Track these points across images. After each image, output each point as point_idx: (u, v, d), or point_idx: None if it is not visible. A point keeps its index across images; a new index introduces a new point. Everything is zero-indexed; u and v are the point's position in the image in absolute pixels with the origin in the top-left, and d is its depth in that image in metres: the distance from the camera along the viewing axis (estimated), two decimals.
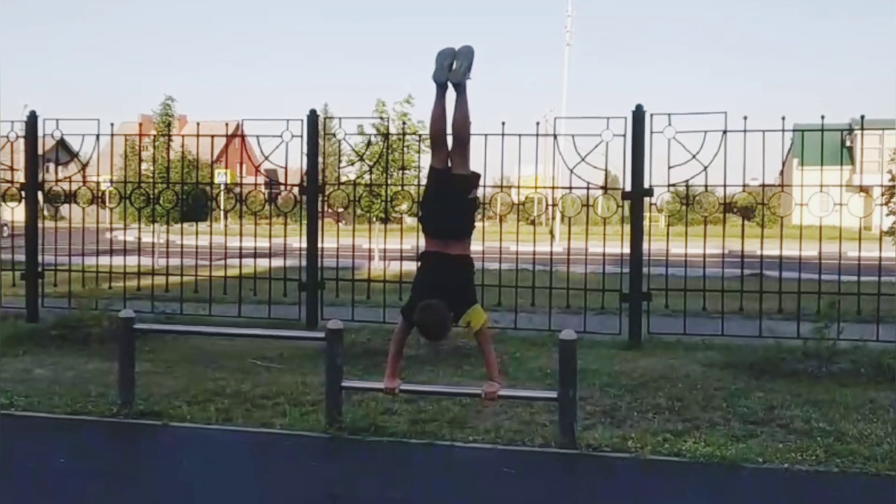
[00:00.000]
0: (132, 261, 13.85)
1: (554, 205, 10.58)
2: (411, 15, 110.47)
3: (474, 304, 5.49)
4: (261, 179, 12.80)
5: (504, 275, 10.02)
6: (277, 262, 11.23)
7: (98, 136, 10.74)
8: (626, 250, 9.72)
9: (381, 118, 13.21)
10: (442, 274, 5.41)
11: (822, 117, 9.35)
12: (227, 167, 28.76)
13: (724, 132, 9.36)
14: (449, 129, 5.59)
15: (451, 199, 5.49)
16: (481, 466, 5.65)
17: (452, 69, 5.49)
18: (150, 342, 8.80)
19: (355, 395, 6.70)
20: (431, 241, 5.52)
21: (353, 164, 13.09)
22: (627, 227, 9.85)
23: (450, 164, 5.58)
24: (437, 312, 5.27)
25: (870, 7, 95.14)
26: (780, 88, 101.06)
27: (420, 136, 12.77)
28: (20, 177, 11.29)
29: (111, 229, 12.88)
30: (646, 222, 9.85)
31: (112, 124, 11.12)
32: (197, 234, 12.28)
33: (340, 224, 12.77)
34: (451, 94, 5.58)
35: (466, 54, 5.52)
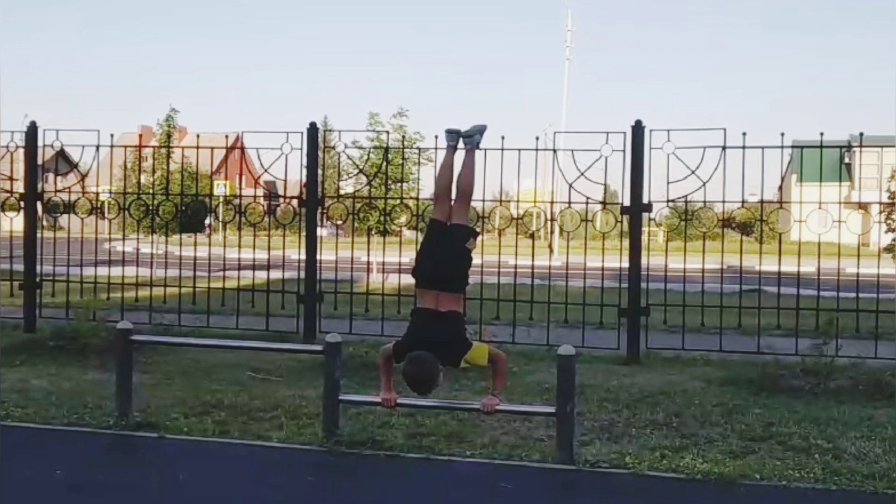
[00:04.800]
0: (130, 272, 13.84)
1: (553, 219, 10.58)
2: (412, 29, 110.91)
3: (470, 346, 5.45)
4: (260, 191, 12.81)
5: (502, 289, 10.02)
6: (276, 275, 11.22)
7: (98, 146, 10.77)
8: (625, 265, 9.73)
9: (378, 132, 13.26)
10: (433, 331, 5.38)
11: (822, 134, 9.39)
12: (226, 179, 28.79)
13: (723, 148, 9.39)
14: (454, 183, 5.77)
15: (447, 248, 5.55)
16: (478, 481, 5.63)
17: (464, 133, 5.84)
18: (147, 354, 8.77)
19: (353, 409, 6.69)
20: (425, 294, 5.50)
21: (349, 177, 13.09)
22: (626, 242, 9.86)
23: (450, 217, 5.67)
24: (425, 367, 5.24)
25: (869, 24, 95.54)
26: (780, 104, 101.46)
27: (419, 149, 12.78)
28: (20, 187, 11.30)
29: (110, 240, 12.87)
30: (644, 237, 9.85)
31: (112, 135, 11.14)
32: (195, 245, 12.27)
33: (339, 236, 12.77)
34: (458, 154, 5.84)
35: (479, 129, 5.88)
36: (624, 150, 9.50)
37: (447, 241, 5.58)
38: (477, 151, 5.90)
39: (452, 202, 5.72)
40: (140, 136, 19.36)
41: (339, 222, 12.25)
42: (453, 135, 5.83)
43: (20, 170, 11.23)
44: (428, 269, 5.54)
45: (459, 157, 5.82)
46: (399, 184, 13.71)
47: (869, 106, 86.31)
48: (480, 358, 5.45)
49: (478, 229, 5.99)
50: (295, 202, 10.84)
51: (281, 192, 11.96)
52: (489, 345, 5.77)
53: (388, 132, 13.37)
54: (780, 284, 9.66)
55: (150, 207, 11.38)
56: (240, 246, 13.05)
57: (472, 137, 5.83)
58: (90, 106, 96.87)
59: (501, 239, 10.84)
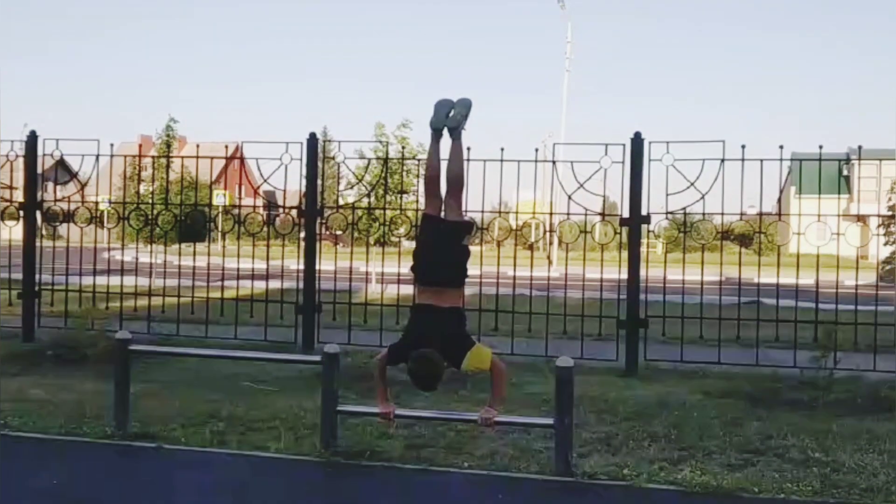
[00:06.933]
0: (130, 281, 13.83)
1: (552, 230, 10.59)
2: (413, 39, 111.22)
3: (472, 346, 5.45)
4: (259, 201, 12.82)
5: (501, 300, 10.02)
6: (275, 284, 11.22)
7: (97, 156, 10.79)
8: (624, 276, 9.74)
9: (381, 142, 13.27)
10: (434, 326, 5.38)
11: (820, 147, 9.41)
12: (225, 189, 28.78)
13: (722, 160, 9.42)
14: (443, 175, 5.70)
15: (444, 246, 5.53)
16: (476, 492, 5.62)
17: (449, 116, 5.68)
18: (146, 363, 8.77)
19: (351, 420, 6.68)
20: (424, 290, 5.52)
21: (351, 187, 13.11)
22: (625, 254, 9.86)
23: (443, 211, 5.63)
24: (430, 363, 5.24)
25: (870, 37, 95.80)
26: (779, 115, 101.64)
27: (419, 160, 12.79)
28: (19, 196, 11.31)
29: (109, 249, 12.87)
30: (643, 249, 9.86)
31: (112, 145, 11.16)
32: (195, 254, 12.27)
33: (338, 247, 12.78)
34: (445, 141, 5.73)
35: (464, 105, 5.73)
36: (623, 162, 9.53)
37: (444, 240, 5.54)
38: (465, 147, 5.77)
39: (444, 195, 5.65)
40: (140, 145, 19.40)
41: (339, 232, 12.26)
42: (438, 130, 5.67)
43: (20, 179, 11.24)
44: (426, 268, 5.53)
45: (446, 145, 5.68)
46: (399, 195, 13.72)
47: (869, 118, 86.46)
48: (482, 362, 5.41)
49: (472, 220, 5.93)
50: (294, 212, 10.86)
51: (280, 202, 11.97)
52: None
53: (388, 143, 13.39)
54: (779, 297, 9.66)
55: (150, 217, 11.39)
56: (238, 256, 13.05)
57: (457, 126, 5.67)
58: (90, 115, 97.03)
59: (500, 250, 10.85)
